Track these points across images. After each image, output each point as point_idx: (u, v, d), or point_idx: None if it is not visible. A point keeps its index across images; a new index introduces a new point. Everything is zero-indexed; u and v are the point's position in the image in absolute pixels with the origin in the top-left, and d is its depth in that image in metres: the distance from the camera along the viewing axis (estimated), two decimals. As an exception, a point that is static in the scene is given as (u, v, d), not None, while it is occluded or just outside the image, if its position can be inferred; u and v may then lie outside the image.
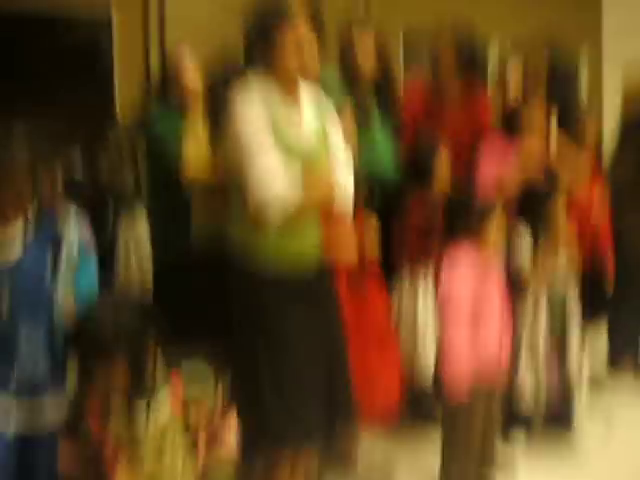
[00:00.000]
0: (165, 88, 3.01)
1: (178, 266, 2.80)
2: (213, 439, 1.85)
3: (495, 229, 2.48)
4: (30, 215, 1.95)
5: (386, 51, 3.11)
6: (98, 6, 4.72)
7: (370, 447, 2.80)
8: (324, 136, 2.20)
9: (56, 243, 1.98)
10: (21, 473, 1.93)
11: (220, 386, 1.89)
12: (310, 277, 2.18)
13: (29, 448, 1.93)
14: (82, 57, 4.64)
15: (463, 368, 2.40)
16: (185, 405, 1.82)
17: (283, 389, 2.11)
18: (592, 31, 7.34)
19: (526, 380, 2.81)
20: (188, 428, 1.82)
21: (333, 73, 3.00)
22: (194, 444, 1.82)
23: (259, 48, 2.11)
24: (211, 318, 2.33)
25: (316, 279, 2.20)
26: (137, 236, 3.91)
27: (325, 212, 2.18)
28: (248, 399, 2.08)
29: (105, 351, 1.72)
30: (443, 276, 2.48)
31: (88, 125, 4.29)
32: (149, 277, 3.41)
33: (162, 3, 5.03)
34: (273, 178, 2.01)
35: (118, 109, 4.80)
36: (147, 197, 3.48)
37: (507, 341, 2.59)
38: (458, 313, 2.42)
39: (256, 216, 2.05)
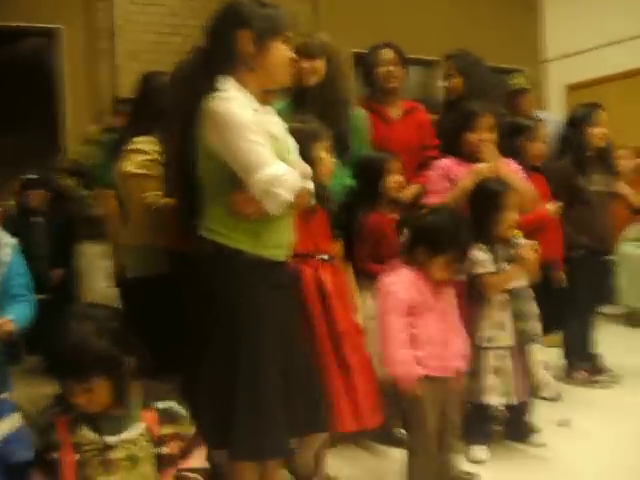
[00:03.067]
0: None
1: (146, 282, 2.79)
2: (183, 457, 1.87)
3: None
4: None
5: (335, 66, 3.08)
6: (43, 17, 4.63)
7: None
8: (288, 142, 2.22)
9: None
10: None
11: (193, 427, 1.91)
12: (283, 267, 2.19)
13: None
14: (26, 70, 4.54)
15: (403, 356, 2.42)
16: (159, 440, 1.83)
17: (255, 393, 2.06)
18: (533, 54, 7.55)
19: (493, 385, 2.81)
20: (160, 448, 1.83)
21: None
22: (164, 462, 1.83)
23: (248, 51, 2.07)
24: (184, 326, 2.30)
25: (286, 270, 2.22)
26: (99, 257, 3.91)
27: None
28: (220, 397, 2.06)
29: (87, 373, 1.72)
30: (381, 286, 2.53)
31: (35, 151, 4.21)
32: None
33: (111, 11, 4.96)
34: (285, 180, 1.98)
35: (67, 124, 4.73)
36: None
37: (460, 343, 2.59)
38: (395, 312, 2.45)
39: (257, 213, 2.02)
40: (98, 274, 3.93)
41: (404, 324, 2.46)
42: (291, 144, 2.25)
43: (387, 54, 3.49)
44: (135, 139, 2.72)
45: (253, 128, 2.00)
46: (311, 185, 2.23)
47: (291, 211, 2.16)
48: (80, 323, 1.79)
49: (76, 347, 1.73)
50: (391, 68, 3.47)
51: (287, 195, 2.00)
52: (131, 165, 2.67)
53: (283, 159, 2.09)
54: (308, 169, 2.25)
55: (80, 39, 4.93)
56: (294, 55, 2.11)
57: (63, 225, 4.21)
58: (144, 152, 2.67)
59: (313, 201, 2.28)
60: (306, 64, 3.02)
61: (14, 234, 2.32)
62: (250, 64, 2.08)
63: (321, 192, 2.55)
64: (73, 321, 1.80)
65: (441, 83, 3.65)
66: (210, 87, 2.03)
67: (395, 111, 3.51)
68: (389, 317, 2.47)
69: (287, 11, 2.17)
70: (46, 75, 4.81)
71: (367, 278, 2.96)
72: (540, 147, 3.62)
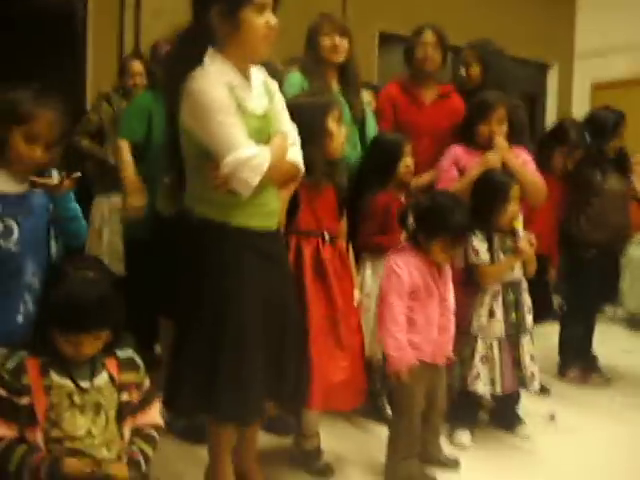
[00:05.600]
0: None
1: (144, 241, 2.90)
2: (141, 409, 1.92)
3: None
4: None
5: (352, 44, 3.16)
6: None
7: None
8: (273, 115, 2.20)
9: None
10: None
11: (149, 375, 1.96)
12: (273, 237, 2.21)
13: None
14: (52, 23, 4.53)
15: (400, 341, 2.46)
16: (120, 387, 1.87)
17: (238, 356, 2.08)
18: (563, 51, 7.45)
19: (480, 374, 2.84)
20: (120, 395, 1.87)
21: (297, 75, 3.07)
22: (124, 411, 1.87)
23: (223, 26, 2.05)
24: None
25: (275, 241, 2.24)
26: (111, 210, 3.95)
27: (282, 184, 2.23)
28: (199, 360, 2.09)
29: (89, 320, 1.75)
30: (387, 266, 2.56)
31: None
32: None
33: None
34: (250, 163, 1.99)
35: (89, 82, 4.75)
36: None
37: (450, 330, 2.64)
38: (398, 294, 2.49)
39: (229, 189, 2.03)
40: (112, 228, 3.94)
41: (404, 307, 2.50)
42: (281, 110, 2.23)
43: (428, 37, 3.47)
44: None
45: (224, 109, 2.00)
46: (298, 155, 2.21)
47: (271, 184, 2.15)
48: (81, 272, 1.81)
49: (78, 295, 1.75)
50: (430, 51, 3.46)
51: (253, 178, 2.00)
52: None
53: (265, 134, 2.10)
54: (295, 136, 2.23)
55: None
56: (273, 21, 2.06)
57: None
58: None
59: (300, 172, 2.25)
60: (339, 40, 3.09)
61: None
62: (226, 38, 2.06)
63: (330, 167, 2.56)
64: (73, 271, 1.81)
65: (461, 71, 3.63)
66: (190, 65, 2.04)
67: (429, 95, 3.52)
68: (390, 298, 2.50)
69: None
70: (71, 29, 4.82)
71: (370, 254, 3.00)
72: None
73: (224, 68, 2.07)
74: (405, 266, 2.52)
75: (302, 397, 2.34)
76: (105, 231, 4.00)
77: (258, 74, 2.20)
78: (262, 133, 2.10)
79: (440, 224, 2.50)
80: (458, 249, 2.63)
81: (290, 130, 2.23)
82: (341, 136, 2.55)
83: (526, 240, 2.83)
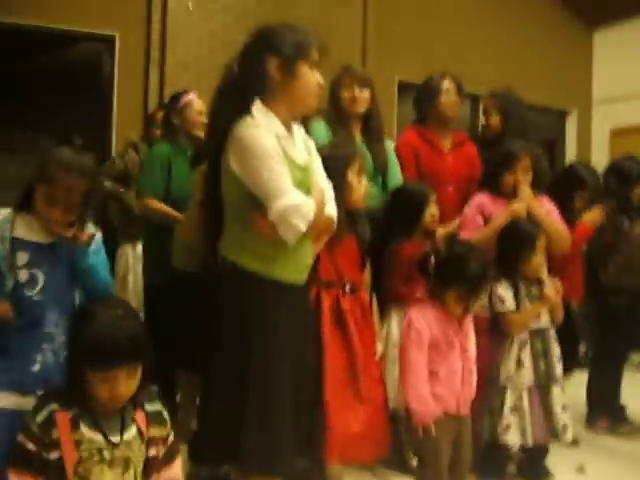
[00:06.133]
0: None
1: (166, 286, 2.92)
2: (165, 464, 1.89)
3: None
4: None
5: (374, 94, 3.21)
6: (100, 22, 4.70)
7: None
8: (312, 169, 2.23)
9: None
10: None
11: (173, 428, 1.93)
12: (302, 291, 2.21)
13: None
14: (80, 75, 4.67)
15: (423, 394, 2.43)
16: (149, 442, 1.85)
17: (267, 407, 2.07)
18: (581, 96, 7.50)
19: (511, 424, 2.81)
20: (149, 450, 1.85)
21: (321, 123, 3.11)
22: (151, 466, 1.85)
23: (278, 78, 2.09)
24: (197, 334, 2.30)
25: (305, 294, 2.24)
26: (135, 258, 3.98)
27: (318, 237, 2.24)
28: (227, 409, 2.07)
29: (122, 352, 1.73)
30: (406, 319, 2.54)
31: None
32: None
33: (164, 22, 5.08)
34: (300, 211, 2.01)
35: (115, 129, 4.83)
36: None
37: (472, 381, 2.61)
38: (417, 347, 2.46)
39: (274, 237, 2.03)
40: (138, 276, 3.96)
41: (424, 360, 2.48)
42: (317, 166, 2.26)
43: (448, 84, 3.51)
44: None
45: (275, 156, 2.03)
46: (333, 210, 2.24)
47: (309, 237, 2.17)
48: (109, 310, 1.81)
49: (110, 329, 1.73)
50: (453, 98, 3.50)
51: (301, 225, 2.02)
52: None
53: (305, 186, 2.12)
54: (331, 192, 2.26)
55: (133, 47, 5.06)
56: (321, 80, 2.12)
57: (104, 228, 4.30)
58: None
59: (335, 227, 2.28)
60: (359, 92, 3.14)
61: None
62: (278, 90, 2.11)
63: (352, 218, 2.57)
64: (101, 309, 1.81)
65: (482, 120, 3.67)
66: (239, 111, 2.07)
67: (447, 142, 3.55)
68: (411, 351, 2.48)
69: (317, 35, 2.17)
70: (98, 81, 4.94)
71: (396, 305, 2.98)
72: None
73: (272, 118, 2.10)
74: (424, 317, 2.51)
75: (318, 449, 2.32)
76: (130, 279, 4.03)
77: (299, 130, 2.25)
78: (303, 185, 2.12)
79: (455, 274, 2.49)
80: (474, 300, 2.60)
81: (327, 186, 2.25)
82: (362, 188, 2.57)
83: (552, 287, 2.82)
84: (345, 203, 2.49)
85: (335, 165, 2.44)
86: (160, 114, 4.10)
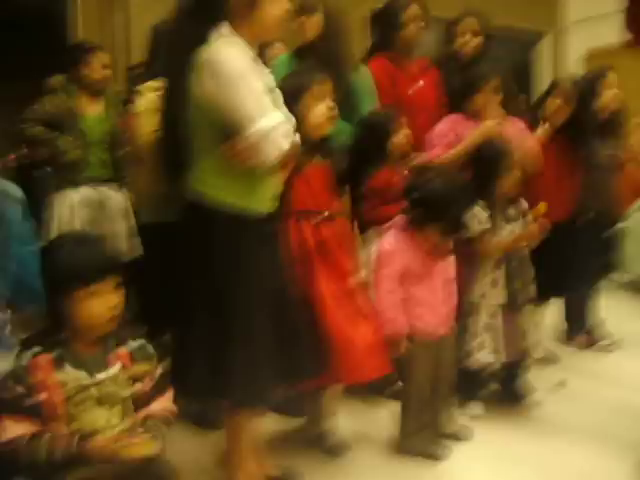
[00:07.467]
0: None
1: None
2: (154, 398, 1.89)
3: None
4: None
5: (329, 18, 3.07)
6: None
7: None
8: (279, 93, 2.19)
9: None
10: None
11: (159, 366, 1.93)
12: (271, 220, 2.20)
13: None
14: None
15: (396, 318, 2.50)
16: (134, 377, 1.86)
17: (252, 341, 2.07)
18: (554, 20, 7.39)
19: (485, 343, 2.86)
20: (135, 385, 1.85)
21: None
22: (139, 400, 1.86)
23: (241, 4, 2.03)
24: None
25: (273, 222, 2.22)
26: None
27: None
28: (210, 348, 2.07)
29: (106, 266, 1.76)
30: (380, 245, 2.58)
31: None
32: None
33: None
34: (285, 126, 2.00)
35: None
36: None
37: (452, 301, 2.67)
38: (388, 273, 2.52)
39: (250, 162, 2.00)
40: (83, 220, 3.68)
41: (395, 285, 2.52)
42: (280, 99, 2.21)
43: (415, 10, 3.40)
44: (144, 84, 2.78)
45: (254, 75, 1.99)
46: (297, 136, 2.18)
47: (279, 163, 2.12)
48: (74, 235, 1.87)
49: (86, 245, 1.78)
50: (421, 24, 3.41)
51: (285, 143, 2.00)
52: (141, 104, 2.71)
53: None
54: (293, 121, 2.20)
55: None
56: (290, 8, 2.07)
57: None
58: (155, 89, 2.63)
59: (296, 153, 2.21)
60: (304, 19, 3.02)
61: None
62: (240, 18, 2.04)
63: (319, 145, 2.53)
64: (66, 236, 1.86)
65: (460, 42, 3.56)
66: (203, 37, 2.01)
67: (415, 68, 3.47)
68: (380, 278, 2.54)
69: None
70: (59, 23, 4.80)
71: (376, 230, 2.92)
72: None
73: (242, 43, 2.05)
74: (396, 244, 2.54)
75: (321, 374, 2.33)
76: (77, 224, 3.81)
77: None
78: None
79: (437, 215, 2.52)
80: (454, 234, 2.62)
81: (288, 113, 2.19)
82: (323, 113, 2.46)
83: (533, 220, 2.86)
84: (304, 129, 2.40)
85: (292, 90, 2.36)
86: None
